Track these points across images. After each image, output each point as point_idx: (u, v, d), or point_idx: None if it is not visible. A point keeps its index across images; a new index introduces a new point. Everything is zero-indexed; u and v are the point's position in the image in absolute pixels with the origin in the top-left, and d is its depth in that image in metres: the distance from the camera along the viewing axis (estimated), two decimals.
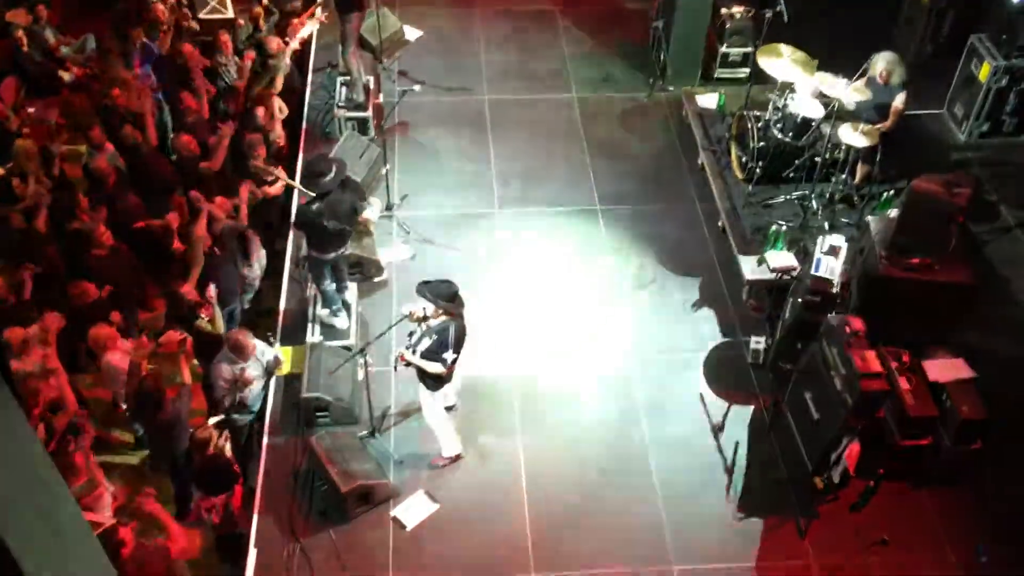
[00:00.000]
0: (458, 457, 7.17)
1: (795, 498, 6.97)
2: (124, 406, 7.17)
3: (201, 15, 10.52)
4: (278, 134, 9.05)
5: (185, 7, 10.39)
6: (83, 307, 7.28)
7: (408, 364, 6.56)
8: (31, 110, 9.61)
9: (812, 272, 7.18)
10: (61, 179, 8.49)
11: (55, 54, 10.03)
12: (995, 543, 6.73)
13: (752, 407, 7.58)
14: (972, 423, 6.75)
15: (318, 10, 9.94)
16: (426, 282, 6.41)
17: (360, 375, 7.30)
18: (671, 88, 10.41)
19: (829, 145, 8.28)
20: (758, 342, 7.85)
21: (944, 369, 7.03)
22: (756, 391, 7.67)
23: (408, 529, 6.76)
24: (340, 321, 7.85)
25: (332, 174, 7.12)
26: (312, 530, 6.74)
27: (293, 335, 7.93)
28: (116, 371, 6.98)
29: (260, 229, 8.61)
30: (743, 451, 7.27)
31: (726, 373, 7.83)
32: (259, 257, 8.40)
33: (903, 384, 6.83)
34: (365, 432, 7.23)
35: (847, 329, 6.63)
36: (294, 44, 9.53)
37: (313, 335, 7.75)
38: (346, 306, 7.94)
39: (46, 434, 6.46)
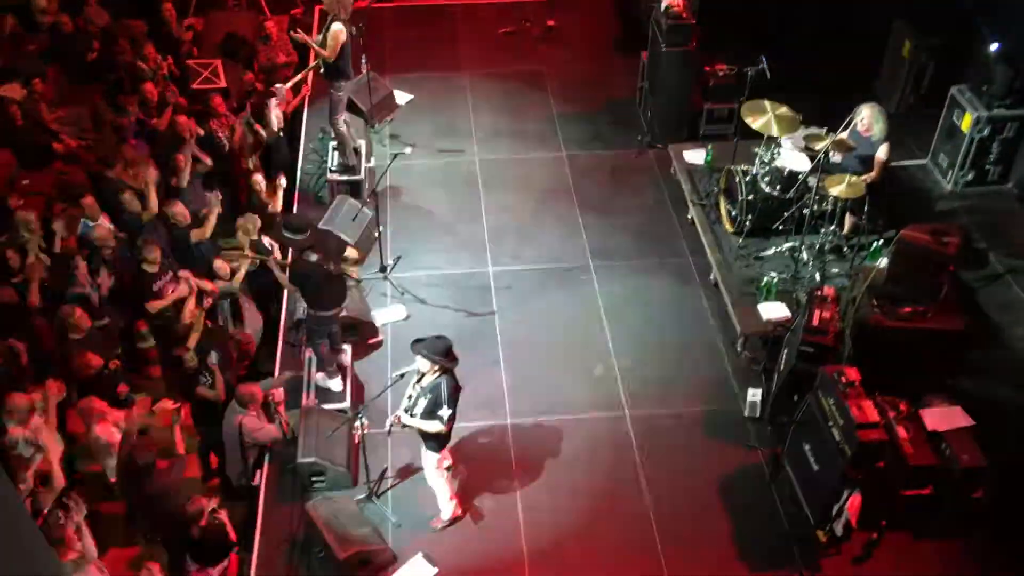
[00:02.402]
0: (458, 518, 7.10)
1: (798, 552, 6.90)
2: (113, 479, 7.11)
3: (194, 86, 10.66)
4: (277, 207, 9.14)
5: (171, 82, 10.50)
6: (85, 379, 7.27)
7: (404, 426, 6.54)
8: (26, 182, 9.69)
9: (805, 323, 7.21)
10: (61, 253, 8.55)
11: (48, 126, 10.14)
12: None
13: (751, 460, 7.54)
14: (973, 471, 6.72)
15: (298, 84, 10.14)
16: (420, 340, 6.43)
17: (356, 438, 7.27)
18: (659, 145, 10.55)
19: (816, 197, 8.37)
20: (755, 395, 7.84)
21: (942, 417, 7.01)
22: (755, 444, 7.64)
23: None
24: (336, 383, 7.83)
25: (308, 232, 7.28)
26: None
27: (288, 400, 7.88)
28: (104, 444, 6.94)
29: (255, 294, 8.65)
30: (744, 505, 7.21)
31: (724, 426, 7.80)
32: (253, 321, 8.43)
33: (902, 433, 6.81)
34: (362, 496, 7.16)
35: (843, 379, 6.63)
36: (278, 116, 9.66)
37: (308, 399, 7.72)
38: (342, 369, 7.93)
39: (32, 508, 6.38)
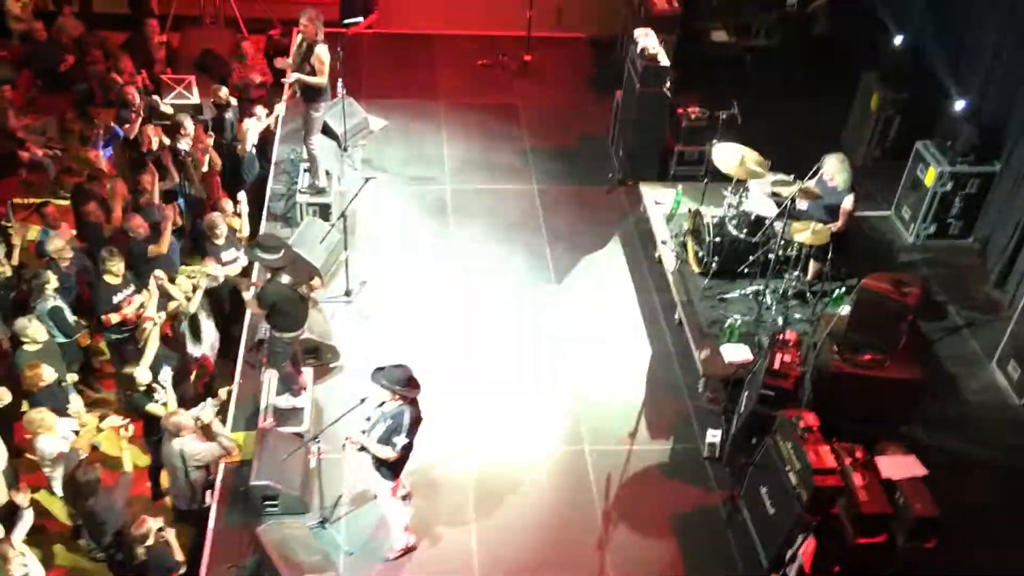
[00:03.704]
0: (411, 548, 7.00)
1: None
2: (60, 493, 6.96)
3: (166, 101, 10.60)
4: (245, 230, 9.07)
5: (146, 95, 10.44)
6: (34, 391, 7.13)
7: (361, 448, 6.45)
8: None
9: (766, 366, 7.26)
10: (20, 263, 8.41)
11: (15, 133, 10.01)
12: None
13: (709, 501, 7.53)
14: (926, 520, 6.76)
15: (278, 107, 10.10)
16: (380, 368, 6.36)
17: (312, 463, 7.16)
18: (630, 183, 10.63)
19: (782, 242, 8.47)
20: (714, 435, 7.86)
21: (896, 466, 7.07)
22: (713, 485, 7.64)
23: None
24: (300, 400, 7.71)
25: (282, 252, 7.17)
26: None
27: (245, 420, 7.78)
28: (51, 456, 6.79)
29: (215, 312, 8.55)
30: (700, 545, 7.19)
31: (682, 465, 7.80)
32: (210, 338, 8.31)
33: (857, 480, 6.84)
34: (315, 522, 7.04)
35: (801, 424, 6.67)
36: (252, 138, 9.60)
37: (265, 420, 7.60)
38: (302, 390, 7.82)
39: None
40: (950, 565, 6.97)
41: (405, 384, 6.28)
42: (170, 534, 6.38)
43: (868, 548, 6.81)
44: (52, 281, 7.76)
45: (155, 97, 10.32)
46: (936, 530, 6.82)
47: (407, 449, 6.41)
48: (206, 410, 6.98)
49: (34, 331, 7.36)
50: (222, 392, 7.42)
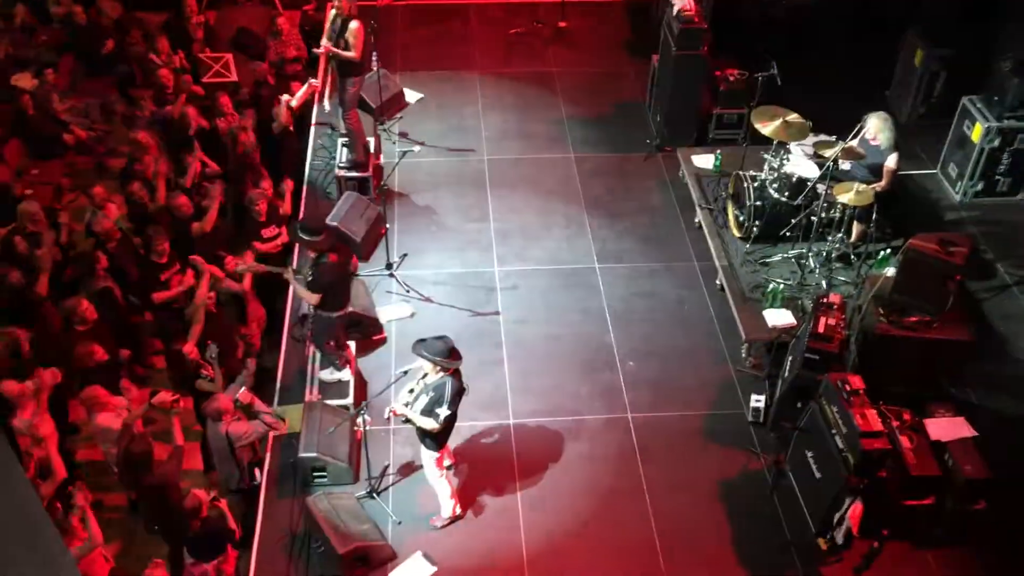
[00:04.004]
0: (458, 517, 7.09)
1: (798, 559, 6.88)
2: (115, 468, 7.13)
3: (204, 79, 10.69)
4: (285, 207, 9.15)
5: (187, 73, 10.54)
6: (87, 369, 7.29)
7: (403, 419, 6.54)
8: (35, 171, 9.73)
9: (810, 330, 7.20)
10: (69, 244, 8.57)
11: (59, 117, 10.17)
12: None
13: (754, 466, 7.53)
14: (976, 482, 6.69)
15: (312, 82, 10.10)
16: (421, 340, 6.42)
17: (358, 435, 7.26)
18: (668, 148, 10.54)
19: (825, 204, 8.35)
20: (758, 400, 7.82)
21: (945, 428, 6.99)
22: (757, 450, 7.62)
23: None
24: (344, 373, 7.81)
25: (324, 235, 7.23)
26: None
27: (292, 394, 7.90)
28: (108, 432, 6.96)
29: (259, 289, 8.65)
30: (746, 510, 7.20)
31: (727, 432, 7.78)
32: (255, 315, 8.43)
33: (905, 443, 6.79)
34: (363, 492, 7.16)
35: (847, 387, 6.62)
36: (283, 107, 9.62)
37: (312, 394, 7.72)
38: (346, 364, 7.92)
39: None
40: (1001, 527, 6.91)
41: (447, 355, 6.33)
42: (223, 504, 6.53)
43: (917, 510, 6.78)
44: (101, 261, 7.92)
45: (186, 78, 10.39)
46: (987, 492, 6.75)
47: (450, 420, 6.47)
48: (241, 390, 7.08)
49: (84, 311, 7.53)
50: (249, 365, 7.50)
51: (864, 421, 6.40)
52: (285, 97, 9.58)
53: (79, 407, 7.46)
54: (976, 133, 9.51)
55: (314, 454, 7.06)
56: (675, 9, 10.00)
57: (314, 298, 7.27)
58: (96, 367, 7.35)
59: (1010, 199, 9.83)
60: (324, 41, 8.76)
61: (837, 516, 6.68)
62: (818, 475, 6.86)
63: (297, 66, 10.89)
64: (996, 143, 9.46)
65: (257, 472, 7.20)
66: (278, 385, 8.02)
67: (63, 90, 10.55)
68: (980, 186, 9.77)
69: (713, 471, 7.48)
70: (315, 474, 7.15)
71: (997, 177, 9.72)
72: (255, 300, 8.50)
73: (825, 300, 7.39)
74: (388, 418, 6.72)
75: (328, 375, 7.80)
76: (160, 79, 9.86)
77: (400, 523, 7.05)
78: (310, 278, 7.23)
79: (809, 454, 6.97)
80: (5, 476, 3.09)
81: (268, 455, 7.40)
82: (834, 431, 6.63)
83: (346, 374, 7.82)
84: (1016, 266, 9.14)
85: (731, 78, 10.28)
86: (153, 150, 9.09)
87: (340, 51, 8.71)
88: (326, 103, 9.54)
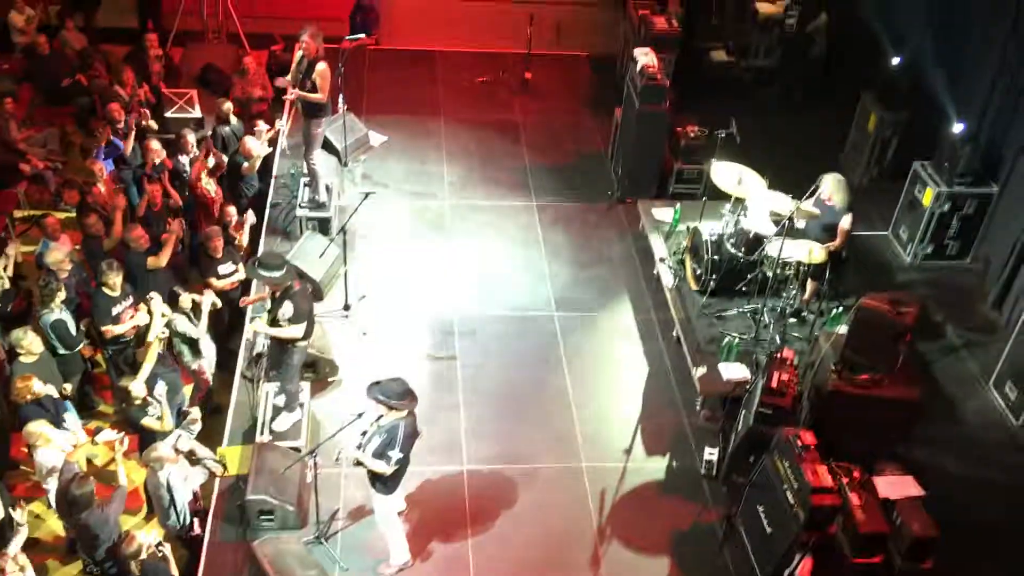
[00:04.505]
0: (407, 565, 6.97)
1: None
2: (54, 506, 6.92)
3: (168, 114, 10.64)
4: (242, 240, 9.08)
5: (144, 108, 10.47)
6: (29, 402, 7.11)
7: (355, 462, 6.44)
8: None
9: (764, 384, 7.26)
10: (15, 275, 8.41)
11: (16, 146, 10.04)
12: None
13: (705, 518, 7.52)
14: (923, 541, 6.75)
15: (279, 123, 10.09)
16: (376, 382, 6.35)
17: (309, 477, 7.14)
18: (629, 200, 10.67)
19: (780, 261, 8.49)
20: (711, 453, 7.85)
21: (894, 486, 7.07)
22: (709, 503, 7.62)
23: None
24: (296, 414, 7.67)
25: (284, 270, 7.16)
26: None
27: (242, 435, 7.76)
28: (45, 469, 6.76)
29: (212, 325, 8.53)
30: (697, 563, 7.17)
31: (679, 483, 7.78)
32: (207, 352, 8.30)
33: (854, 500, 6.83)
34: (311, 537, 7.02)
35: (799, 442, 6.67)
36: (261, 152, 9.59)
37: (262, 435, 7.58)
38: (300, 406, 7.81)
39: None
40: None
41: (402, 397, 6.27)
42: (166, 548, 6.34)
43: (865, 568, 6.80)
44: (61, 292, 7.75)
45: (144, 111, 10.32)
46: (934, 551, 6.81)
47: (402, 463, 6.39)
48: (182, 438, 6.93)
49: (30, 343, 7.35)
50: (193, 412, 7.36)
51: (815, 477, 6.44)
52: (257, 146, 9.48)
53: (19, 442, 7.25)
54: (927, 197, 9.76)
55: (262, 496, 6.92)
56: (639, 66, 10.20)
57: (300, 330, 7.21)
58: (32, 402, 7.16)
59: (959, 262, 10.07)
60: (291, 91, 8.76)
61: (787, 572, 6.67)
62: (769, 530, 6.87)
63: (263, 105, 10.90)
64: (946, 208, 9.70)
65: (196, 522, 6.99)
66: (228, 424, 7.87)
67: (21, 119, 10.43)
68: (930, 249, 10.00)
69: (665, 522, 7.46)
70: (262, 517, 7.00)
71: (947, 241, 9.95)
72: (206, 337, 8.36)
73: (779, 355, 7.48)
74: (337, 459, 6.61)
75: (282, 425, 7.63)
76: (110, 113, 9.77)
77: (347, 569, 6.92)
78: (290, 314, 7.13)
79: (760, 508, 6.99)
80: None
81: (214, 498, 7.23)
82: (785, 486, 6.66)
83: (298, 414, 7.70)
84: (964, 328, 9.34)
85: (691, 134, 10.48)
86: (107, 181, 8.99)
87: (307, 94, 8.74)
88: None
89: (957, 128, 9.60)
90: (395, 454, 6.27)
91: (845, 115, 11.35)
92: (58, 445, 6.93)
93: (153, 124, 10.30)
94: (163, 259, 8.42)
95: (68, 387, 7.76)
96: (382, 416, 6.37)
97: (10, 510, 6.59)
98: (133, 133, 9.70)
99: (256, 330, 7.36)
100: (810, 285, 8.89)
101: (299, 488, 7.12)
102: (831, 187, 8.59)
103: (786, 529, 6.62)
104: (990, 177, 9.65)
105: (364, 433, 6.45)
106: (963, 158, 9.49)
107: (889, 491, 7.01)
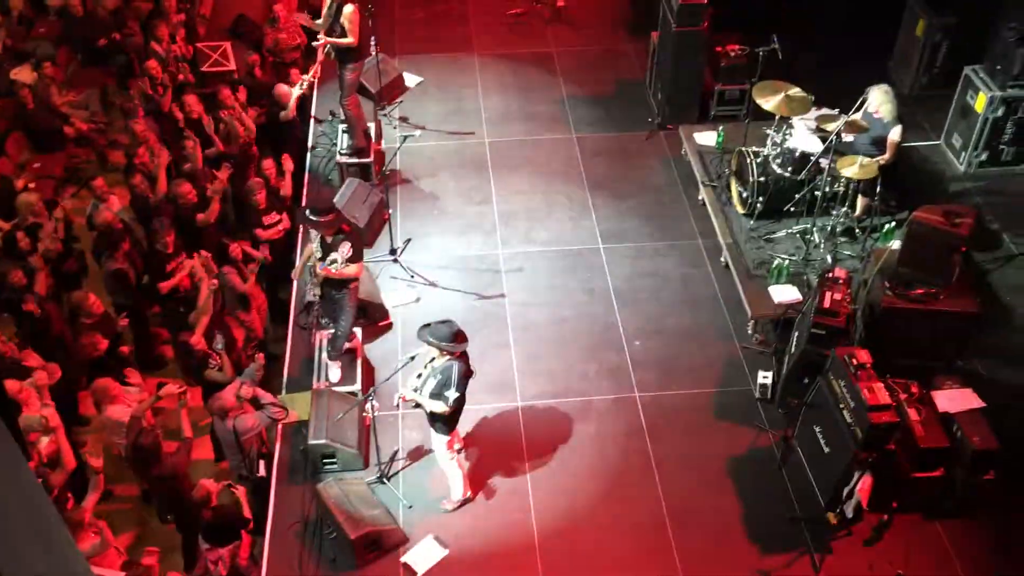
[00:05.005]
0: (468, 500, 7.12)
1: (808, 534, 6.90)
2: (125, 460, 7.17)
3: (203, 68, 10.65)
4: (286, 188, 9.13)
5: (183, 62, 10.49)
6: (91, 360, 7.31)
7: (413, 404, 6.55)
8: (37, 165, 9.73)
9: (816, 305, 7.19)
10: (67, 236, 8.57)
11: (59, 110, 10.16)
12: (1012, 573, 6.66)
13: (762, 442, 7.54)
14: (985, 453, 6.69)
15: (309, 73, 10.04)
16: (426, 325, 6.42)
17: (367, 420, 7.29)
18: (670, 126, 10.49)
19: (828, 178, 8.32)
20: (765, 377, 7.83)
21: (953, 399, 6.99)
22: (765, 427, 7.63)
23: (419, 575, 6.70)
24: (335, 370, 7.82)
25: (333, 215, 7.20)
26: None
27: (299, 383, 7.92)
28: (117, 424, 6.99)
29: (262, 278, 8.66)
30: (755, 487, 7.22)
31: (734, 409, 7.79)
32: (258, 306, 8.43)
33: (913, 415, 6.79)
34: (373, 478, 7.20)
35: (854, 361, 6.61)
36: (293, 99, 9.58)
37: (319, 381, 7.74)
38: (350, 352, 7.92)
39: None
40: (1010, 496, 6.92)
41: (452, 339, 6.34)
42: (239, 491, 6.55)
43: (926, 482, 6.79)
44: (124, 244, 7.89)
45: (183, 65, 10.34)
46: (996, 462, 6.75)
47: (459, 402, 6.49)
48: (245, 386, 7.08)
49: (91, 304, 7.55)
50: (257, 360, 7.50)
51: (872, 395, 6.40)
52: (295, 91, 9.49)
53: (88, 399, 7.49)
54: (980, 103, 9.44)
55: (323, 441, 7.09)
56: None
57: (360, 267, 7.33)
58: (102, 359, 7.38)
59: (1015, 168, 9.76)
60: (321, 36, 8.69)
61: (846, 490, 6.70)
62: (827, 450, 6.87)
63: (296, 53, 10.85)
64: (1000, 112, 9.39)
65: (262, 464, 7.20)
66: (285, 374, 8.04)
67: (61, 82, 10.53)
68: (984, 156, 9.71)
69: (721, 448, 7.49)
70: (325, 461, 7.18)
71: (1001, 147, 9.65)
72: (256, 287, 8.48)
73: (830, 275, 7.37)
74: (397, 404, 6.73)
75: (336, 372, 7.74)
76: (148, 70, 9.81)
77: (411, 507, 7.09)
78: (349, 254, 7.16)
79: (817, 429, 6.98)
80: (15, 477, 3.11)
81: (278, 444, 7.43)
82: (842, 406, 6.63)
83: (352, 359, 7.79)
84: (1021, 235, 9.10)
85: (732, 53, 10.20)
86: (151, 140, 9.07)
87: (336, 40, 8.66)
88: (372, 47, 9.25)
89: (1009, 29, 9.21)
90: (452, 394, 6.36)
91: (892, 22, 10.95)
92: (124, 401, 7.15)
93: (192, 78, 10.32)
94: (212, 215, 8.52)
95: (123, 348, 7.95)
96: (435, 358, 6.45)
97: (87, 456, 6.81)
98: (170, 89, 9.74)
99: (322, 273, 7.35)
100: (861, 201, 8.70)
101: (358, 431, 7.28)
102: (878, 99, 8.35)
103: (844, 448, 6.61)
104: None
105: (419, 376, 6.55)
106: (1017, 60, 9.13)
107: (948, 405, 6.94)
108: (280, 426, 7.44)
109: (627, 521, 7.06)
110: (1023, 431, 7.09)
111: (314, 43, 9.06)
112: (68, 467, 6.79)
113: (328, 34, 8.68)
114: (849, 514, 6.79)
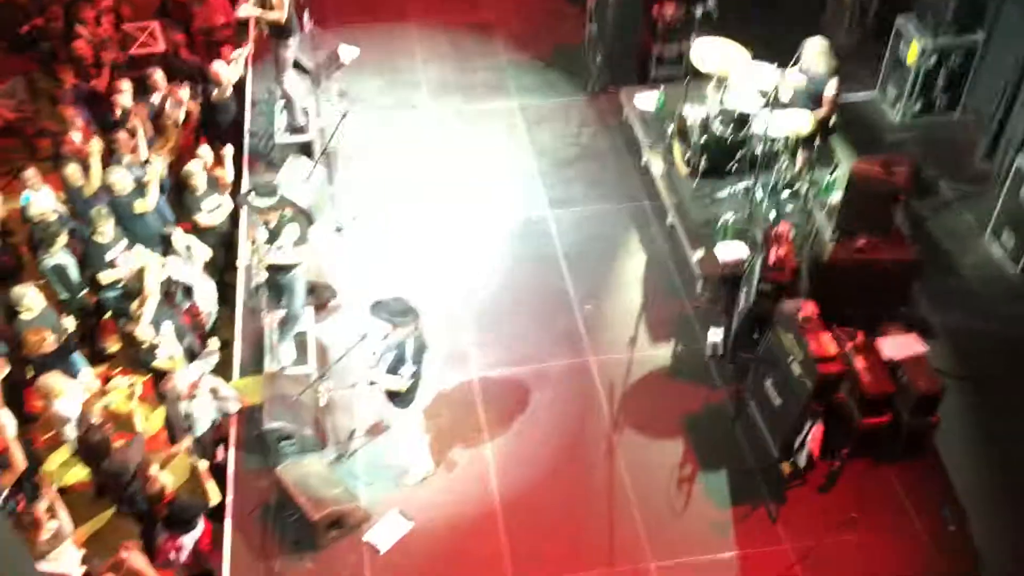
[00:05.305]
0: (429, 473, 7.14)
1: (764, 485, 7.05)
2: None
3: (131, 51, 10.35)
4: (228, 178, 8.93)
5: (114, 41, 10.19)
6: (37, 355, 7.15)
7: (371, 382, 6.53)
8: None
9: (762, 261, 7.29)
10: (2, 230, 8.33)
11: None
12: (960, 510, 6.88)
13: (715, 398, 7.66)
14: (929, 397, 6.89)
15: (243, 49, 9.81)
16: (377, 302, 6.39)
17: (323, 401, 7.24)
18: (611, 90, 10.48)
19: (768, 136, 8.40)
20: (716, 334, 7.92)
21: (897, 346, 7.16)
22: (717, 383, 7.75)
23: (382, 552, 6.71)
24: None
25: (278, 197, 7.10)
26: (287, 562, 6.66)
27: (251, 366, 7.84)
28: (64, 420, 6.85)
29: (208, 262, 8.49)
30: (710, 442, 7.34)
31: (686, 367, 7.90)
32: (204, 290, 8.28)
33: (859, 364, 6.95)
34: (332, 457, 7.17)
35: (801, 314, 6.73)
36: (231, 76, 9.36)
37: (271, 364, 7.66)
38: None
39: None
40: (955, 437, 7.14)
41: (405, 314, 6.32)
42: (202, 464, 6.45)
43: (875, 428, 6.96)
44: (63, 236, 7.68)
45: (114, 43, 10.04)
46: (939, 405, 6.95)
47: (416, 377, 6.48)
48: (199, 369, 6.97)
49: (30, 300, 7.35)
50: (211, 344, 7.40)
51: (819, 346, 6.54)
52: (230, 70, 9.24)
53: (35, 396, 7.33)
54: (912, 53, 9.58)
55: (279, 424, 7.03)
56: None
57: (305, 250, 7.35)
58: (49, 353, 7.21)
59: (948, 116, 9.95)
60: (242, 6, 8.48)
61: (799, 440, 6.85)
62: (778, 402, 7.01)
63: (226, 31, 10.59)
64: (932, 61, 9.53)
65: (220, 450, 7.13)
66: (237, 358, 7.93)
67: None
68: (919, 106, 9.87)
69: (676, 406, 7.60)
70: (282, 443, 7.12)
71: (935, 95, 9.82)
72: (202, 276, 8.32)
73: (775, 231, 7.47)
74: (354, 385, 6.70)
75: (289, 354, 7.66)
76: (76, 51, 9.50)
77: (372, 484, 7.08)
78: (296, 237, 7.14)
79: (768, 382, 7.11)
80: None
81: (233, 428, 7.36)
82: (791, 358, 6.76)
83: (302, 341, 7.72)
84: (958, 181, 9.30)
85: (669, 14, 10.20)
86: (81, 127, 8.81)
87: (261, 12, 8.44)
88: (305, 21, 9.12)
89: None
90: (407, 369, 6.36)
91: None
92: (72, 395, 7.00)
93: (122, 56, 10.02)
94: (149, 201, 8.31)
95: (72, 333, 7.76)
96: (388, 335, 6.42)
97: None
98: (106, 70, 9.45)
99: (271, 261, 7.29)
100: (801, 156, 8.80)
101: (314, 412, 7.23)
102: (814, 53, 8.43)
103: (795, 400, 6.75)
104: (975, 24, 9.43)
105: (374, 353, 6.52)
106: (946, 8, 9.25)
107: (893, 351, 7.11)
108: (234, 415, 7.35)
109: (587, 484, 7.14)
110: (965, 373, 7.29)
111: (238, 14, 8.81)
112: (17, 468, 6.64)
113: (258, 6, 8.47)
114: (802, 463, 6.95)
